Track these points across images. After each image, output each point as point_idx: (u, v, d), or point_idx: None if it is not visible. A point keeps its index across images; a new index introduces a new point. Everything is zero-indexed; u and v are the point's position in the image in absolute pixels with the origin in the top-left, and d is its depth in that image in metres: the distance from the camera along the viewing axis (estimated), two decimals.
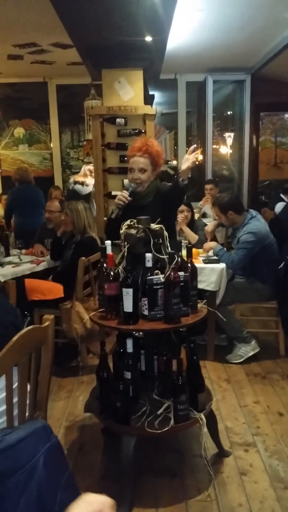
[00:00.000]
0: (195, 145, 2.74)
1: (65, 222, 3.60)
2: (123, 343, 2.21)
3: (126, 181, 4.51)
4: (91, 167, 5.26)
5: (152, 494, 2.11)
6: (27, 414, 1.62)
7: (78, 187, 5.27)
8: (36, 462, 1.06)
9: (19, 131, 6.97)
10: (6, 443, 1.07)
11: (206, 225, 4.34)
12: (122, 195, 2.68)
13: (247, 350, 3.50)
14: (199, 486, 2.16)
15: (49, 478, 1.07)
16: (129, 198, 2.66)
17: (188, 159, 2.52)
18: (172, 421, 2.07)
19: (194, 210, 4.49)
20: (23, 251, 3.95)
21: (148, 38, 4.14)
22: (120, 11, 3.45)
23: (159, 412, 2.13)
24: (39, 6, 3.67)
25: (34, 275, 3.59)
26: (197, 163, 2.64)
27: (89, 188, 5.23)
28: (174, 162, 7.33)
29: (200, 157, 7.06)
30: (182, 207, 3.99)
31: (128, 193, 2.67)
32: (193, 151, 2.55)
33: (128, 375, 2.11)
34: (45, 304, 3.28)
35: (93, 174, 4.97)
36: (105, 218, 4.60)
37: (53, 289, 3.33)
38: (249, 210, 3.63)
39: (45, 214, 4.18)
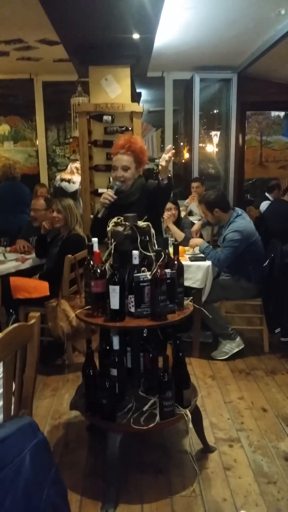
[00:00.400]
0: (171, 145, 2.75)
1: (56, 219, 3.55)
2: (108, 340, 2.22)
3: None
4: (77, 164, 5.24)
5: (138, 490, 2.13)
6: (12, 412, 1.62)
7: (65, 184, 5.25)
8: (22, 459, 1.07)
9: (4, 128, 6.89)
10: None
11: (192, 222, 4.37)
12: (107, 194, 2.65)
13: (232, 346, 3.54)
14: (184, 482, 2.18)
15: (35, 474, 1.08)
16: (114, 196, 2.64)
17: (164, 158, 2.48)
18: (157, 418, 2.08)
19: (181, 208, 4.51)
20: (8, 248, 3.92)
21: (136, 36, 4.13)
22: (107, 8, 3.44)
23: (145, 408, 2.14)
24: (26, 2, 3.64)
25: (19, 273, 3.57)
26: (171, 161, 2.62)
27: (76, 186, 5.22)
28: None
29: (187, 155, 7.11)
30: (169, 205, 4.01)
31: (113, 192, 2.64)
32: (169, 150, 2.52)
33: (114, 372, 2.12)
34: (30, 302, 3.26)
35: (79, 172, 4.95)
36: (91, 216, 4.59)
37: (39, 287, 3.31)
38: (235, 209, 3.67)
39: (31, 213, 4.16)
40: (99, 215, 2.65)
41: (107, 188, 2.74)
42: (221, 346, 3.57)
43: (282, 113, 7.11)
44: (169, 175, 2.55)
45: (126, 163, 2.68)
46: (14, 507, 1.02)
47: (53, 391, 3.07)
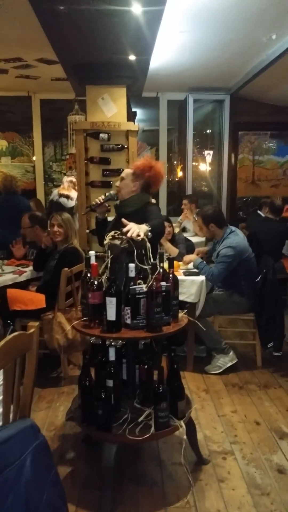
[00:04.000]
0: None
1: (56, 233, 3.59)
2: (105, 353, 2.25)
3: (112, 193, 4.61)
4: (72, 178, 5.32)
5: (133, 501, 2.14)
6: (10, 420, 1.64)
7: (63, 200, 5.32)
8: (24, 460, 1.10)
9: (2, 144, 6.98)
10: None
11: (186, 239, 4.45)
12: (97, 198, 3.01)
13: (226, 361, 3.57)
14: (178, 493, 2.19)
15: (36, 475, 1.11)
16: (100, 200, 2.96)
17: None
18: (152, 429, 2.11)
19: (174, 225, 4.58)
20: (5, 261, 3.96)
21: (132, 57, 4.26)
22: (105, 30, 3.56)
23: (140, 419, 2.16)
24: (26, 22, 3.75)
25: (16, 285, 3.60)
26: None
27: (73, 202, 5.28)
28: None
29: (180, 174, 7.23)
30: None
31: (104, 198, 2.97)
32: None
33: (110, 383, 2.15)
34: (26, 314, 3.28)
35: (76, 187, 5.02)
36: (87, 231, 4.65)
37: (35, 299, 3.34)
38: (229, 226, 3.75)
39: (22, 231, 4.20)
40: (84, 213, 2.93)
41: None
42: (215, 360, 3.60)
43: (273, 133, 7.27)
44: (148, 228, 2.36)
45: (123, 174, 2.94)
46: (15, 507, 1.05)
47: (48, 403, 3.07)
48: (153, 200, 3.07)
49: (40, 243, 3.86)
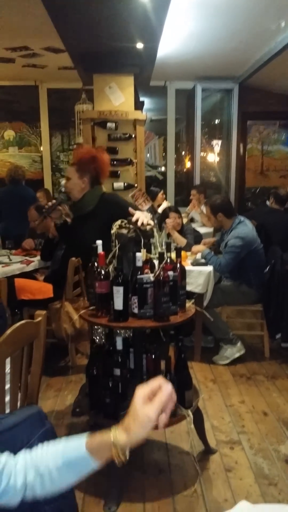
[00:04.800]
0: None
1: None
2: (112, 341, 2.25)
3: (115, 184, 4.58)
4: None
5: (140, 489, 2.15)
6: (18, 407, 1.65)
7: None
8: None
9: (9, 134, 6.98)
10: (2, 427, 1.10)
11: (194, 229, 4.42)
12: (47, 204, 2.75)
13: (233, 351, 3.56)
14: (185, 482, 2.20)
15: None
16: (54, 206, 2.68)
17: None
18: None
19: (182, 215, 4.56)
20: (13, 251, 3.96)
21: (140, 45, 4.21)
22: (112, 18, 3.52)
23: None
24: (33, 11, 3.71)
25: (23, 274, 3.60)
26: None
27: None
28: (163, 168, 7.42)
29: (188, 164, 7.18)
30: (172, 214, 4.08)
31: (55, 203, 2.70)
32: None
33: (117, 371, 2.14)
34: (34, 304, 3.29)
35: None
36: None
37: (43, 289, 3.35)
38: (237, 216, 3.71)
39: (31, 223, 4.20)
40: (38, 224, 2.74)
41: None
42: (222, 351, 3.60)
43: (282, 123, 7.19)
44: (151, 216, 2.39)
45: (67, 173, 2.72)
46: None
47: (56, 392, 3.09)
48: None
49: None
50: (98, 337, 2.46)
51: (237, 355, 3.56)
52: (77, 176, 2.66)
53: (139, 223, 2.19)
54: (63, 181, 5.93)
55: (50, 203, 2.72)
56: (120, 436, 0.94)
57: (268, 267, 3.58)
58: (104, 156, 2.74)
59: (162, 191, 5.69)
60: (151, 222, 2.23)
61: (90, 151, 2.78)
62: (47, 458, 0.96)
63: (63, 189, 5.44)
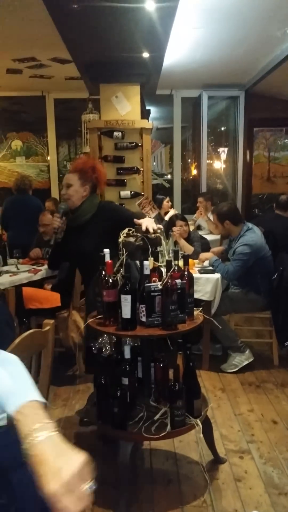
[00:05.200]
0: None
1: None
2: (120, 350, 2.24)
3: (122, 193, 4.60)
4: None
5: (149, 499, 2.13)
6: None
7: None
8: None
9: (16, 144, 7.04)
10: (11, 438, 1.09)
11: (201, 236, 4.42)
12: (54, 219, 2.72)
13: (242, 359, 3.54)
14: (195, 492, 2.18)
15: None
16: (60, 220, 2.68)
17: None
18: (168, 427, 2.09)
19: (189, 223, 4.56)
20: (20, 260, 3.98)
21: (146, 55, 4.25)
22: (118, 28, 3.55)
23: (155, 417, 2.15)
24: (40, 22, 3.76)
25: (31, 283, 3.61)
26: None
27: None
28: (169, 176, 7.43)
29: (195, 172, 7.19)
30: (179, 222, 4.09)
31: (59, 215, 2.69)
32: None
33: (125, 381, 2.14)
34: (42, 313, 3.30)
35: None
36: None
37: (50, 298, 3.36)
38: (245, 223, 3.69)
39: (40, 228, 4.20)
40: (51, 242, 2.72)
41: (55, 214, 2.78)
42: (231, 359, 3.57)
43: None
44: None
45: (68, 181, 2.72)
46: (31, 499, 1.04)
47: (64, 401, 3.09)
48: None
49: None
50: (102, 347, 2.45)
51: (245, 362, 3.54)
52: (79, 184, 2.69)
53: (150, 230, 2.22)
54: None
55: (57, 216, 2.70)
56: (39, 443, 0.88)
57: (276, 274, 3.56)
58: (102, 167, 2.83)
59: (167, 198, 5.69)
60: (160, 226, 2.29)
61: (90, 161, 2.83)
62: None
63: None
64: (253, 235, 3.56)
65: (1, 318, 1.70)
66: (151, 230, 2.24)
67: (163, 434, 2.05)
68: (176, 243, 4.06)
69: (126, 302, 2.05)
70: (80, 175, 2.69)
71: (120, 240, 2.25)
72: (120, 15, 3.29)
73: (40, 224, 4.19)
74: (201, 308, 2.39)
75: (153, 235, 2.24)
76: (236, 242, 3.59)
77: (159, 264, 2.23)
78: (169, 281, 2.05)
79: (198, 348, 3.72)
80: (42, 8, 3.24)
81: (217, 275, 3.46)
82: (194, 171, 7.31)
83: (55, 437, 0.91)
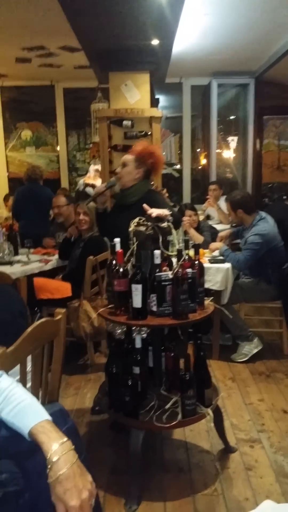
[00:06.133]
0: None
1: (82, 221, 3.59)
2: (131, 340, 2.25)
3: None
4: (99, 167, 5.31)
5: (160, 488, 2.15)
6: None
7: (89, 189, 5.33)
8: None
9: (26, 134, 7.04)
10: None
11: (211, 226, 4.39)
12: (98, 186, 2.86)
13: (251, 348, 3.53)
14: (206, 481, 2.19)
15: None
16: (104, 189, 2.75)
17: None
18: (179, 416, 2.10)
19: (199, 212, 4.53)
20: (31, 250, 3.99)
21: (155, 42, 4.20)
22: (128, 15, 3.51)
23: (167, 406, 2.16)
24: (49, 10, 3.73)
25: (42, 273, 3.63)
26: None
27: None
28: (178, 166, 7.39)
29: (204, 161, 7.14)
30: (188, 211, 4.06)
31: (105, 186, 2.77)
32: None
33: (136, 370, 2.14)
34: (53, 303, 3.31)
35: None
36: None
37: (61, 288, 3.37)
38: (259, 212, 3.64)
39: (54, 210, 4.24)
40: (99, 210, 2.82)
41: None
42: (240, 349, 3.57)
43: None
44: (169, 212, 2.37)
45: (124, 160, 2.77)
46: (46, 491, 1.05)
47: (75, 390, 3.11)
48: (155, 186, 2.95)
49: (68, 224, 3.90)
50: (116, 336, 2.46)
51: (255, 351, 3.53)
52: (134, 166, 2.73)
53: (156, 213, 2.23)
54: (80, 180, 5.96)
55: (101, 186, 2.79)
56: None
57: (286, 264, 3.53)
58: (161, 155, 2.82)
59: (165, 189, 5.65)
60: (169, 212, 2.28)
61: (151, 146, 2.85)
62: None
63: (81, 188, 5.45)
64: (266, 224, 3.53)
65: (15, 308, 1.71)
66: (163, 214, 2.23)
67: (174, 423, 2.06)
68: (185, 232, 4.04)
69: (136, 291, 2.05)
70: (136, 157, 2.73)
71: (130, 229, 2.24)
72: (129, 2, 3.25)
73: (54, 206, 4.21)
74: (211, 298, 2.38)
75: (165, 224, 2.23)
76: (248, 231, 3.56)
77: (170, 253, 2.22)
78: (180, 270, 2.04)
79: (208, 338, 3.71)
80: None
81: (227, 265, 3.44)
82: (203, 161, 7.25)
83: (73, 456, 1.08)
